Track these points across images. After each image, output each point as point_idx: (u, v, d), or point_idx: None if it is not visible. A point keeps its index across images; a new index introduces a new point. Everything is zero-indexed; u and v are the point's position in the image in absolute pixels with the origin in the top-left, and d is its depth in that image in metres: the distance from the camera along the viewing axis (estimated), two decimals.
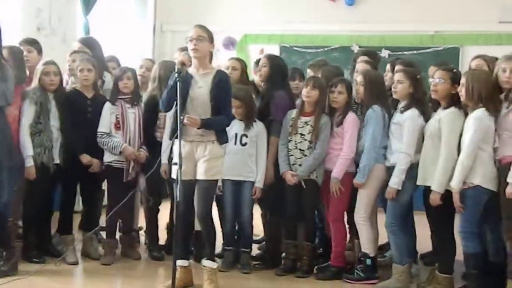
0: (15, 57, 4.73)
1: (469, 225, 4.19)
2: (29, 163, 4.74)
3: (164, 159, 4.75)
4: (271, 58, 5.19)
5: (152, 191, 5.13)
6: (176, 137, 4.15)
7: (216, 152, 4.28)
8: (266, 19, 8.82)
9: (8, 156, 4.41)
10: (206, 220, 4.38)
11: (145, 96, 5.18)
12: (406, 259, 4.55)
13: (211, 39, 4.30)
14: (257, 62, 5.47)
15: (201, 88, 4.24)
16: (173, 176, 4.18)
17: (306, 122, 4.77)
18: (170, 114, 4.53)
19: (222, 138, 4.32)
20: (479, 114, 4.12)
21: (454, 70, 4.46)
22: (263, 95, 5.07)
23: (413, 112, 4.45)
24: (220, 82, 4.26)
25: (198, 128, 4.18)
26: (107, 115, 4.94)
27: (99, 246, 5.16)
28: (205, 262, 4.37)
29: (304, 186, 4.75)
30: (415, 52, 8.13)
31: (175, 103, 4.15)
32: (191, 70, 4.30)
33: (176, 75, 4.11)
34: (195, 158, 4.27)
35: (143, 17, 9.01)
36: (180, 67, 4.15)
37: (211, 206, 4.43)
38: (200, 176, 4.27)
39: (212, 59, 4.50)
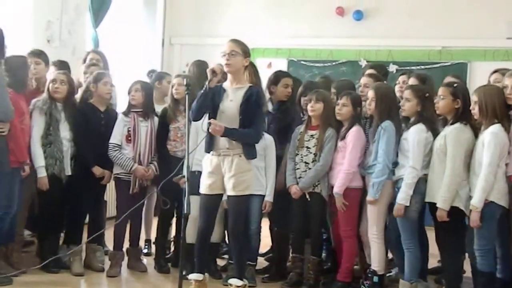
0: (11, 67, 4.63)
1: (487, 242, 4.16)
2: (41, 173, 4.77)
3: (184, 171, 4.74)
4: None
5: (165, 195, 5.03)
6: (209, 151, 4.23)
7: (243, 166, 4.24)
8: (274, 33, 8.84)
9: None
10: (237, 237, 4.35)
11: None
12: (416, 278, 4.50)
13: (245, 53, 4.29)
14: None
15: (232, 102, 4.25)
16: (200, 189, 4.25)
17: (312, 136, 4.78)
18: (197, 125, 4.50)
19: (249, 153, 4.27)
20: (495, 130, 4.10)
21: (455, 85, 4.45)
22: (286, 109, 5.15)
23: (419, 127, 4.43)
24: (251, 97, 4.23)
25: (221, 136, 4.18)
26: (120, 127, 4.97)
27: (106, 257, 5.16)
28: (231, 281, 4.35)
29: (309, 199, 4.75)
30: (422, 67, 8.13)
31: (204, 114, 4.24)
32: (226, 84, 4.32)
33: (186, 87, 4.16)
34: (222, 172, 4.26)
35: (152, 30, 9.07)
36: (210, 76, 4.18)
37: (243, 222, 4.39)
38: (229, 191, 4.26)
39: (255, 71, 4.49)
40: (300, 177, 4.78)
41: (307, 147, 4.78)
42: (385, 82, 5.33)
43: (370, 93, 4.68)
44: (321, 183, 4.76)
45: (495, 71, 4.91)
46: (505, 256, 4.26)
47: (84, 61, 5.65)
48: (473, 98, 4.23)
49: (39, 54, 5.25)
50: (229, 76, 4.32)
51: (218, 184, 4.28)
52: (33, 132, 4.78)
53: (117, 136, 4.96)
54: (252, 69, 4.52)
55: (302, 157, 4.80)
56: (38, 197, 4.95)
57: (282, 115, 5.14)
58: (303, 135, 4.82)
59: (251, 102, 4.23)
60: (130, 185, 4.95)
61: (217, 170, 4.26)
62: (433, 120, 4.52)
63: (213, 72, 4.21)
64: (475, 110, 4.20)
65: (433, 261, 5.02)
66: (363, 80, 5.18)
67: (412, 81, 5.09)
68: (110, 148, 4.93)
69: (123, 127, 4.98)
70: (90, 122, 4.95)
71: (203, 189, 4.28)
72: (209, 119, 4.21)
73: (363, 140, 4.66)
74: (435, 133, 4.44)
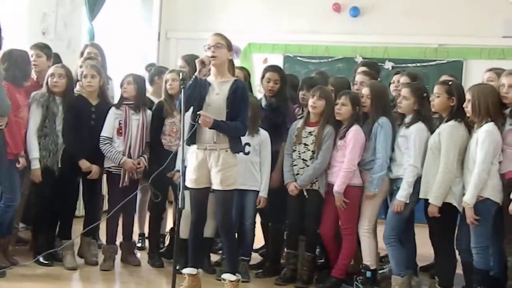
0: (14, 60, 4.67)
1: (483, 239, 4.19)
2: (35, 165, 4.78)
3: (178, 166, 4.73)
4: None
5: (159, 189, 5.00)
6: (191, 144, 4.22)
7: (230, 161, 4.26)
8: (271, 29, 8.85)
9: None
10: (227, 231, 4.37)
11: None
12: (405, 271, 4.54)
13: (229, 46, 4.31)
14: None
15: (218, 95, 4.26)
16: (186, 184, 4.22)
17: (310, 132, 4.78)
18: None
19: (235, 147, 4.29)
20: (489, 128, 4.13)
21: (450, 83, 4.48)
22: (275, 108, 5.10)
23: (419, 126, 4.46)
24: (238, 90, 4.26)
25: (210, 128, 4.18)
26: (111, 120, 4.95)
27: (99, 251, 5.16)
28: (225, 275, 4.36)
29: (307, 196, 4.75)
30: (418, 64, 8.15)
31: (191, 107, 4.21)
32: (210, 78, 4.33)
33: (182, 82, 4.15)
34: (208, 166, 4.27)
35: (148, 24, 9.04)
36: (199, 66, 4.18)
37: (232, 216, 4.42)
38: (216, 186, 4.27)
39: (233, 67, 4.48)
40: (297, 174, 4.78)
41: (305, 144, 4.78)
42: (379, 79, 5.34)
43: (365, 91, 4.70)
44: (319, 180, 4.76)
45: (489, 70, 4.93)
46: (497, 253, 4.28)
47: (82, 54, 5.62)
48: (467, 96, 4.26)
49: (41, 47, 5.23)
50: (213, 70, 4.32)
51: (204, 179, 4.29)
52: (29, 124, 4.79)
53: (108, 129, 4.94)
54: (231, 64, 4.49)
55: (299, 153, 4.79)
56: (34, 189, 4.95)
57: (272, 113, 5.10)
58: (300, 131, 4.81)
59: (238, 95, 4.26)
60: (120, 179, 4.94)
61: (203, 164, 4.27)
62: (430, 119, 4.55)
63: (202, 62, 4.21)
64: (468, 108, 4.23)
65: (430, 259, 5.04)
66: (359, 77, 5.18)
67: (404, 79, 5.11)
68: (100, 141, 4.91)
69: (114, 120, 4.96)
70: (80, 115, 4.92)
71: (189, 183, 4.29)
72: (193, 112, 4.21)
73: (363, 139, 4.65)
74: (432, 132, 4.47)
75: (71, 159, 4.88)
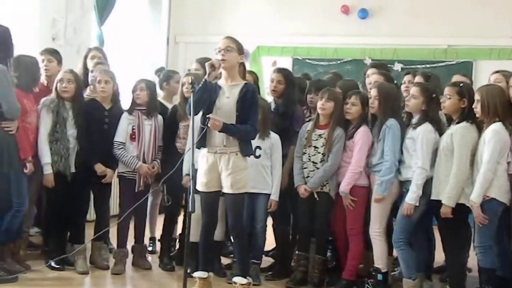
0: (23, 66, 4.71)
1: (487, 239, 4.19)
2: (47, 170, 4.81)
3: (186, 170, 4.74)
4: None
5: (171, 193, 5.06)
6: (200, 147, 4.22)
7: (240, 164, 4.26)
8: (279, 31, 8.86)
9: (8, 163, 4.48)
10: (239, 234, 4.38)
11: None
12: (415, 274, 4.51)
13: (239, 50, 4.31)
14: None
15: (228, 99, 4.27)
16: (197, 187, 4.23)
17: (320, 135, 4.77)
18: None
19: (245, 150, 4.29)
20: (496, 128, 4.14)
21: (461, 85, 4.47)
22: (283, 113, 5.09)
23: (426, 127, 4.45)
24: (248, 93, 4.27)
25: (219, 131, 4.19)
26: (124, 125, 4.98)
27: (110, 255, 5.17)
28: (236, 279, 4.37)
29: (317, 198, 4.75)
30: (428, 66, 8.11)
31: (201, 110, 4.22)
32: (221, 81, 4.34)
33: (191, 85, 4.16)
34: (219, 170, 4.28)
35: (157, 28, 9.08)
36: (209, 69, 4.19)
37: (242, 219, 4.43)
38: (227, 189, 4.27)
39: (245, 70, 4.47)
40: (307, 177, 4.78)
41: (315, 147, 4.78)
42: (395, 82, 5.33)
43: (373, 92, 4.69)
44: (330, 182, 4.76)
45: (496, 72, 4.93)
46: (503, 253, 4.28)
47: (85, 57, 5.64)
48: (476, 97, 4.27)
49: (52, 52, 5.31)
50: (223, 73, 4.33)
51: (214, 182, 4.30)
52: (40, 130, 4.82)
53: (121, 134, 4.97)
54: (243, 67, 4.50)
55: (309, 156, 4.79)
56: (45, 194, 4.98)
57: (279, 118, 5.08)
58: (310, 134, 4.81)
59: (248, 99, 4.27)
60: (134, 183, 4.96)
61: (213, 168, 4.28)
62: (438, 120, 4.53)
63: (212, 66, 4.23)
64: (477, 108, 4.23)
65: (440, 261, 5.02)
66: (374, 77, 5.13)
67: (418, 79, 5.11)
68: (115, 146, 4.95)
69: (127, 125, 4.99)
70: (94, 119, 4.96)
71: (200, 187, 4.30)
72: (202, 115, 4.22)
73: (371, 140, 4.66)
74: (440, 133, 4.46)
75: (86, 164, 4.91)
